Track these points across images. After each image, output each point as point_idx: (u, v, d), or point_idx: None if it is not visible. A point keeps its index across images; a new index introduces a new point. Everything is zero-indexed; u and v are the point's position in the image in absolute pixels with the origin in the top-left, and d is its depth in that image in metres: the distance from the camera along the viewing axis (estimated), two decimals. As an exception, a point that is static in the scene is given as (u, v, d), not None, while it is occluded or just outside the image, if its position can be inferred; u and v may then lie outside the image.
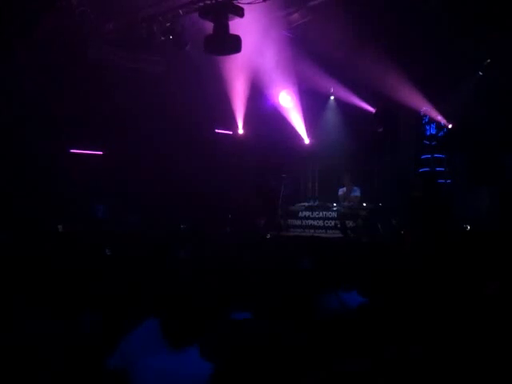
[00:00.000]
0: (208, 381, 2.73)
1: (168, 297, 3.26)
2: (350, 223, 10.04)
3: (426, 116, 11.72)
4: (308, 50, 10.54)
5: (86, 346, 3.29)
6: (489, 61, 10.55)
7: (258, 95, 12.01)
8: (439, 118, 11.25)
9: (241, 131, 12.39)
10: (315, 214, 10.74)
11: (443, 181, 11.24)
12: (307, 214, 10.82)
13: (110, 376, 3.09)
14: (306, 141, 12.71)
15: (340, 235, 9.92)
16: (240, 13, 8.18)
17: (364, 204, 10.65)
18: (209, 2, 8.28)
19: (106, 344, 3.37)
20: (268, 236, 10.16)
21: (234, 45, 8.41)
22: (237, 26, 8.58)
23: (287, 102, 12.37)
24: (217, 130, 12.26)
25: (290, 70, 11.41)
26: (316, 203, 11.05)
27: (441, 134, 11.46)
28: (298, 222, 10.84)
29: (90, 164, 10.54)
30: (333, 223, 10.39)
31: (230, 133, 12.39)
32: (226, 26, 8.23)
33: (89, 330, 3.54)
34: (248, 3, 8.14)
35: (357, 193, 10.76)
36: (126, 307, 3.77)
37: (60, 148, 10.11)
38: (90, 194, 10.11)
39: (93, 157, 10.80)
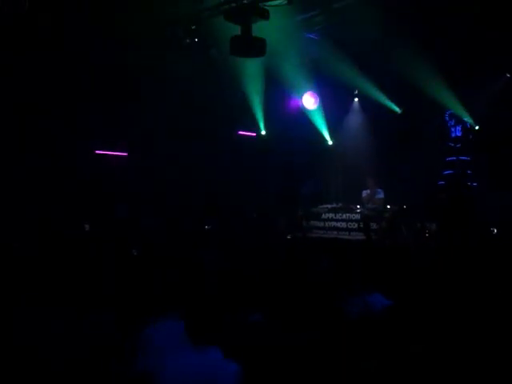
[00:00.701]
0: (235, 380, 2.77)
1: (192, 295, 3.31)
2: (373, 225, 10.00)
3: (452, 119, 11.63)
4: (333, 52, 10.53)
5: (98, 345, 3.35)
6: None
7: (281, 97, 12.06)
8: (466, 119, 11.15)
9: (264, 132, 12.42)
10: (338, 215, 10.71)
11: (469, 183, 11.13)
12: (330, 215, 10.80)
13: (137, 378, 3.13)
14: (330, 142, 12.72)
15: (363, 237, 9.89)
16: (265, 15, 8.21)
17: (388, 206, 10.58)
18: (234, 4, 8.34)
19: (117, 343, 3.42)
20: (288, 237, 10.16)
21: (259, 48, 8.46)
22: (261, 27, 8.65)
23: (311, 104, 12.37)
24: (240, 132, 12.30)
25: (314, 71, 11.42)
26: (339, 205, 11.03)
27: (467, 136, 11.34)
28: (321, 224, 10.82)
29: (115, 165, 10.69)
30: (356, 225, 10.36)
31: (253, 134, 12.43)
32: (250, 29, 8.29)
33: (101, 330, 3.59)
34: (273, 6, 8.18)
35: (381, 195, 10.70)
36: (140, 306, 3.82)
37: (86, 149, 10.27)
38: (114, 194, 10.24)
39: (118, 158, 10.94)
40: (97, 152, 10.66)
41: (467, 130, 11.38)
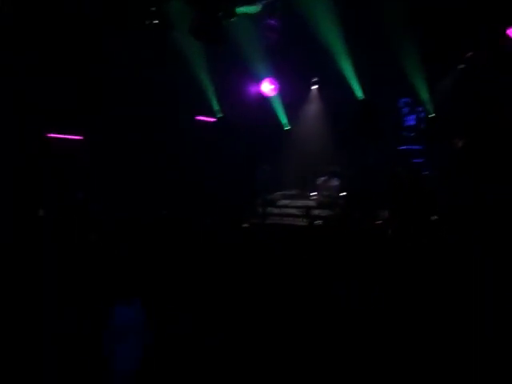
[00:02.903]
0: None
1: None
2: (326, 212, 10.17)
3: (405, 107, 11.83)
4: (293, 40, 10.60)
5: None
6: (470, 54, 10.68)
7: (241, 83, 12.07)
8: (420, 108, 11.39)
9: (221, 118, 12.38)
10: (294, 202, 10.86)
11: (421, 172, 11.37)
12: (286, 202, 10.94)
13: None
14: (287, 128, 12.81)
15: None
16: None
17: (343, 193, 10.77)
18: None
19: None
20: (245, 225, 10.16)
21: (221, 36, 8.43)
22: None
23: (270, 90, 12.43)
24: (197, 117, 12.21)
25: (274, 58, 11.47)
26: (295, 192, 11.16)
27: (420, 125, 11.59)
28: (277, 211, 10.93)
29: (70, 149, 10.45)
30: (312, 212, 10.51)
31: (212, 120, 12.37)
32: (215, 16, 8.23)
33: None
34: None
35: (335, 182, 10.89)
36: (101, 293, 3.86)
37: (37, 132, 10.01)
38: (69, 179, 10.01)
39: (72, 142, 10.70)
40: (49, 135, 10.40)
41: (420, 119, 11.64)
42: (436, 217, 9.40)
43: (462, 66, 11.11)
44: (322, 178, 11.02)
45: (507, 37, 9.93)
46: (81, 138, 10.71)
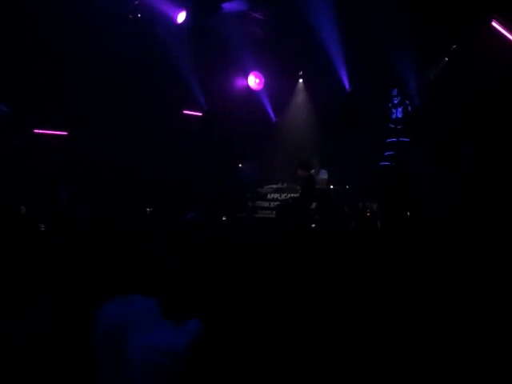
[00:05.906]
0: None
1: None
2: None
3: (392, 99, 11.78)
4: (278, 33, 10.54)
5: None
6: (455, 46, 10.71)
7: (227, 77, 12.02)
8: (407, 101, 11.37)
9: (207, 112, 12.29)
10: (283, 195, 10.80)
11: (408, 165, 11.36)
12: (275, 196, 10.87)
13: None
14: (273, 120, 12.78)
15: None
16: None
17: (331, 186, 10.75)
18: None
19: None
20: (224, 218, 10.02)
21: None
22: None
23: (256, 84, 12.40)
24: (185, 112, 12.09)
25: (260, 51, 11.42)
26: (284, 185, 11.10)
27: (407, 118, 11.56)
28: (266, 204, 10.87)
29: (55, 145, 10.24)
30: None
31: (198, 114, 12.27)
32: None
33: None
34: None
35: (324, 175, 10.84)
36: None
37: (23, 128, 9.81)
38: (53, 177, 9.76)
39: (57, 137, 10.49)
40: (35, 131, 10.20)
41: (407, 112, 11.61)
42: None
43: (446, 59, 11.13)
44: (311, 171, 10.94)
45: (492, 29, 10.01)
46: (65, 133, 10.51)
